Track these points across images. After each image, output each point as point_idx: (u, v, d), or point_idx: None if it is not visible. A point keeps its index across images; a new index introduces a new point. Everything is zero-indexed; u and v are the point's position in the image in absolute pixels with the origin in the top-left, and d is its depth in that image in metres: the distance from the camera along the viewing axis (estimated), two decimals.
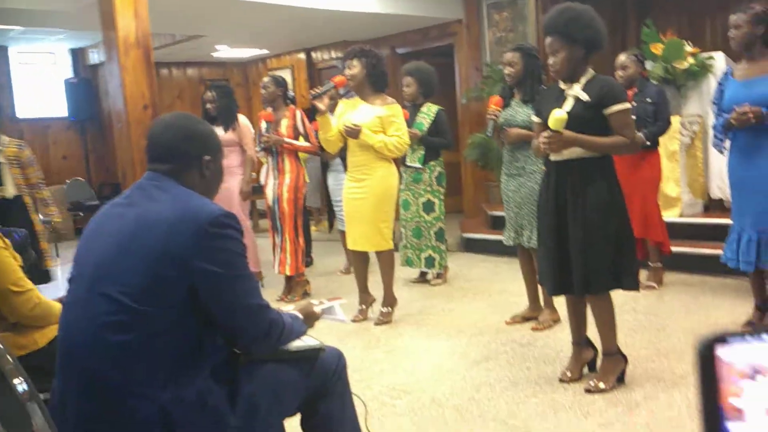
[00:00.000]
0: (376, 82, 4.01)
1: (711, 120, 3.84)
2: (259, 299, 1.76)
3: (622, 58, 4.45)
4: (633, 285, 2.95)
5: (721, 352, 0.53)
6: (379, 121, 3.96)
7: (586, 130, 2.80)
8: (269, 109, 4.84)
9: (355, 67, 3.96)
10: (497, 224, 5.96)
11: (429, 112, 4.95)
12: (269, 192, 4.81)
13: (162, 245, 1.64)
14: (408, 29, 8.06)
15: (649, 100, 4.34)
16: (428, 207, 4.99)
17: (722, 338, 0.53)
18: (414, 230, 5.05)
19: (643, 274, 4.64)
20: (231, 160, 5.16)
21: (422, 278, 5.31)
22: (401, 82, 5.07)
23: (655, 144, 4.46)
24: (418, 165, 4.94)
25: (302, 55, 9.13)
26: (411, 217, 5.04)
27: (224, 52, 9.01)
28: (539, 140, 2.84)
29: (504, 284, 5.00)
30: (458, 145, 7.49)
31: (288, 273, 4.81)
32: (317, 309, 2.07)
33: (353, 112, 4.05)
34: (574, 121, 2.80)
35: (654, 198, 4.51)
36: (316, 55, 9.08)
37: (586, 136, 2.79)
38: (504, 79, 4.09)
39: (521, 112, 3.84)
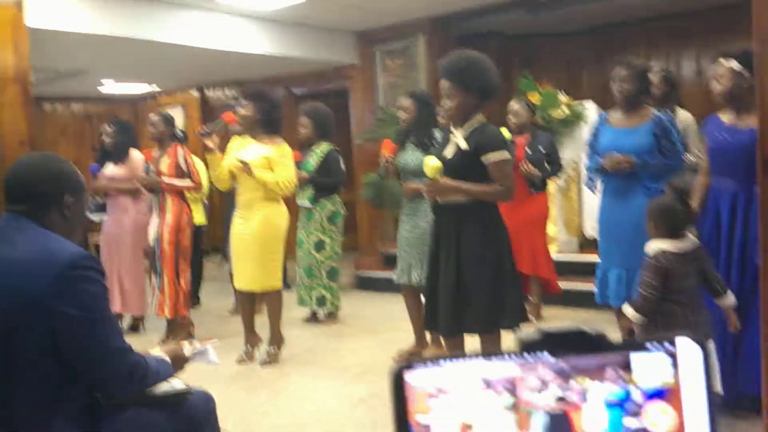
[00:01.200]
0: (267, 127, 4.03)
1: (585, 161, 4.08)
2: (120, 342, 1.73)
3: (515, 105, 4.70)
4: (512, 325, 2.94)
5: (409, 376, 0.61)
6: (266, 161, 3.97)
7: (466, 175, 2.88)
8: (155, 150, 4.75)
9: (248, 109, 3.98)
10: (391, 262, 6.04)
11: (318, 151, 4.98)
12: (151, 231, 4.68)
13: (19, 289, 1.60)
14: (303, 71, 8.16)
15: (542, 149, 4.59)
16: (319, 246, 5.00)
17: (409, 365, 0.62)
18: (306, 269, 5.04)
19: None
20: (124, 197, 5.00)
21: (313, 318, 5.28)
22: (298, 122, 5.11)
23: (545, 186, 4.71)
24: (307, 204, 4.96)
25: (195, 93, 9.02)
26: (303, 255, 5.03)
27: (112, 87, 8.74)
28: (422, 189, 2.93)
29: (395, 322, 5.04)
30: (353, 185, 7.59)
31: (167, 315, 4.65)
32: (187, 352, 2.03)
33: (242, 150, 4.05)
34: (454, 167, 2.89)
35: (542, 236, 4.73)
36: (209, 93, 8.99)
37: (461, 183, 2.87)
38: (398, 122, 4.22)
39: (414, 157, 3.96)
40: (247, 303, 4.23)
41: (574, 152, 5.52)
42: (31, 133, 5.09)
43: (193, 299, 6.03)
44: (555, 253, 5.39)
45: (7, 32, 4.95)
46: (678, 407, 0.59)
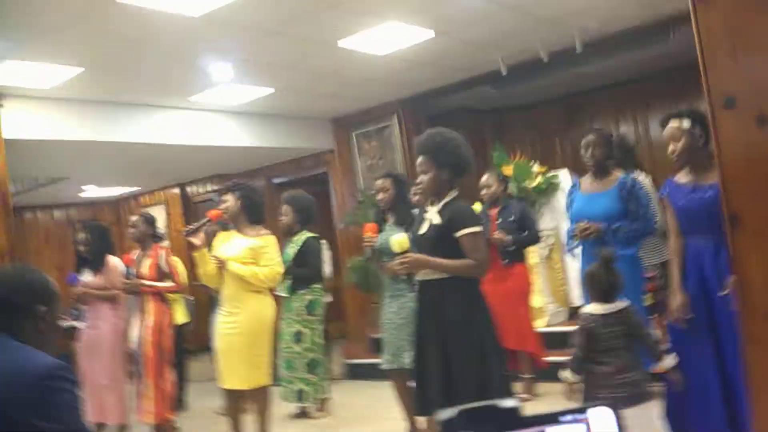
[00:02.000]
0: (251, 214, 4.04)
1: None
2: None
3: (486, 177, 4.74)
4: (501, 395, 2.81)
5: None
6: (251, 252, 3.93)
7: (441, 251, 2.90)
8: (136, 251, 4.73)
9: (229, 201, 4.00)
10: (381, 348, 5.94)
11: (297, 241, 4.93)
12: (133, 334, 4.58)
13: None
14: (282, 160, 8.27)
15: (511, 218, 4.59)
16: (297, 337, 4.84)
17: None
18: (286, 362, 4.89)
19: (517, 386, 4.75)
20: (101, 303, 4.93)
21: (302, 413, 5.11)
22: (279, 211, 5.10)
23: (521, 257, 4.68)
24: (284, 294, 4.87)
25: (176, 190, 9.08)
26: (284, 347, 4.90)
27: (92, 190, 8.80)
28: (394, 265, 2.93)
29: (389, 410, 4.85)
30: (338, 270, 7.55)
31: (152, 421, 4.49)
32: None
33: (225, 244, 4.02)
34: (428, 242, 2.93)
35: (525, 310, 4.67)
36: (191, 189, 9.05)
37: (434, 258, 2.89)
38: (377, 204, 4.25)
39: (394, 236, 3.95)
40: (234, 403, 4.09)
41: (553, 221, 5.54)
42: (11, 245, 5.10)
43: (179, 402, 5.85)
44: (545, 326, 5.32)
45: None
46: None
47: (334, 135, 7.81)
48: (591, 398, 2.78)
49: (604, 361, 2.80)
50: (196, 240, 3.86)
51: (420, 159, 3.02)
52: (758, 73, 2.01)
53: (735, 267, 2.24)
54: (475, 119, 8.15)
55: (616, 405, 2.48)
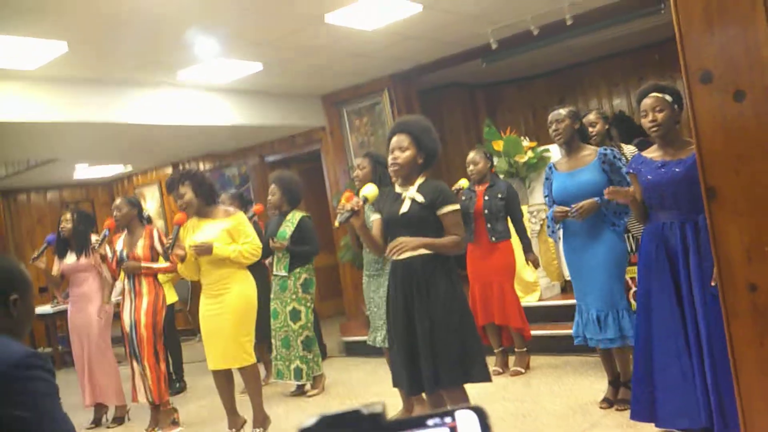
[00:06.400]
0: (207, 198, 4.01)
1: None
2: None
3: (472, 154, 4.73)
4: (483, 376, 2.97)
5: None
6: (227, 233, 3.92)
7: (423, 228, 2.93)
8: (122, 234, 4.71)
9: (186, 194, 3.94)
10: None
11: (293, 219, 4.96)
12: (126, 317, 4.58)
13: None
14: (274, 138, 8.22)
15: (499, 195, 4.59)
16: (294, 315, 4.91)
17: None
18: (283, 340, 4.94)
19: (510, 360, 4.78)
20: (88, 286, 4.97)
21: (299, 390, 5.15)
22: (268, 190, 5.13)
23: (508, 234, 4.68)
24: (284, 273, 4.91)
25: (170, 170, 9.04)
26: (280, 326, 4.94)
27: (85, 171, 8.76)
28: (388, 249, 2.92)
29: (382, 386, 4.93)
30: (334, 248, 7.56)
31: (152, 402, 4.51)
32: None
33: (198, 232, 3.97)
34: (410, 220, 2.95)
35: (510, 285, 4.68)
36: (183, 168, 9.01)
37: (427, 239, 2.91)
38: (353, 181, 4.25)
39: (367, 215, 3.96)
40: (224, 382, 4.09)
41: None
42: (3, 227, 5.12)
43: (179, 383, 5.89)
44: (537, 300, 5.34)
45: None
46: None
47: (326, 112, 7.75)
48: None
49: None
50: (181, 251, 3.84)
51: (401, 136, 3.02)
52: (734, 49, 1.99)
53: (713, 240, 2.24)
54: (467, 94, 8.10)
55: None
